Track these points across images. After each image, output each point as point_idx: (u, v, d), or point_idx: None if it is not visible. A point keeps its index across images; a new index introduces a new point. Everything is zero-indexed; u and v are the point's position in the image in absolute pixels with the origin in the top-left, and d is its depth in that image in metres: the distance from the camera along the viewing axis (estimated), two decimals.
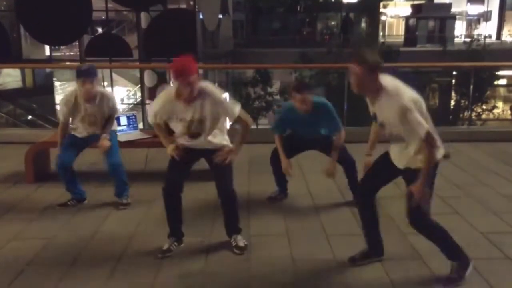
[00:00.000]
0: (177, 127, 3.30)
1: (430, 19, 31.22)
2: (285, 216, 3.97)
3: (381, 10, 33.62)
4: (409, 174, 2.84)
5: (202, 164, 3.48)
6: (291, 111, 3.94)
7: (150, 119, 3.36)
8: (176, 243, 3.38)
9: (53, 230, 3.68)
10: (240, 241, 3.39)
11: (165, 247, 3.33)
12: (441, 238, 2.92)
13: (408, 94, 2.69)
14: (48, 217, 3.96)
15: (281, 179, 4.31)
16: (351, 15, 30.88)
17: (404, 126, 2.66)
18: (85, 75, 3.91)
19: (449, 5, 32.25)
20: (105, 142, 4.09)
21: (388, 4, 36.37)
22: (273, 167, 4.23)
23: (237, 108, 3.28)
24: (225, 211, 3.42)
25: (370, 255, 3.16)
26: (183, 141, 3.35)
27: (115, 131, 4.40)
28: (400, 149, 2.86)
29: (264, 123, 19.49)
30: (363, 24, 31.48)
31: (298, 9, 35.25)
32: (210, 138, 3.31)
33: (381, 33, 32.12)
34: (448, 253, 2.95)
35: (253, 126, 8.29)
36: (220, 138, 3.38)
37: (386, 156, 3.04)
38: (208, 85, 3.24)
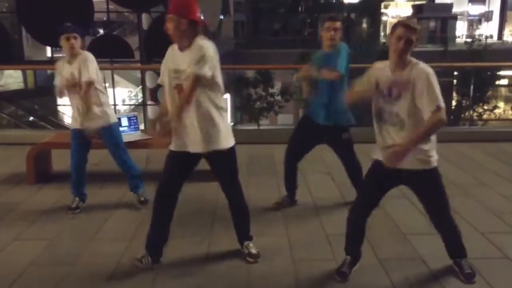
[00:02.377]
0: (171, 84, 2.98)
1: (431, 19, 31.29)
2: (284, 217, 3.98)
3: (382, 10, 33.62)
4: (413, 176, 2.85)
5: (201, 164, 3.48)
6: (317, 53, 3.95)
7: (160, 78, 3.12)
8: (149, 259, 3.14)
9: (55, 232, 3.70)
10: (253, 248, 3.30)
11: (139, 256, 3.16)
12: (460, 235, 3.02)
13: None
14: (50, 218, 3.98)
15: (291, 184, 4.19)
16: (353, 15, 30.90)
17: (425, 96, 2.63)
18: (66, 31, 3.79)
19: (450, 5, 32.30)
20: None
21: (389, 5, 36.37)
22: (285, 169, 4.12)
23: (203, 70, 2.81)
24: (236, 221, 3.33)
25: (355, 263, 3.09)
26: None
27: (118, 125, 4.26)
28: (394, 136, 2.79)
29: (265, 123, 19.51)
30: (364, 25, 31.48)
31: (299, 9, 35.25)
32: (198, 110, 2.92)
33: (382, 33, 32.08)
34: (463, 249, 3.03)
35: (254, 127, 8.33)
36: (207, 107, 2.95)
37: (375, 172, 2.94)
38: (208, 43, 2.90)
